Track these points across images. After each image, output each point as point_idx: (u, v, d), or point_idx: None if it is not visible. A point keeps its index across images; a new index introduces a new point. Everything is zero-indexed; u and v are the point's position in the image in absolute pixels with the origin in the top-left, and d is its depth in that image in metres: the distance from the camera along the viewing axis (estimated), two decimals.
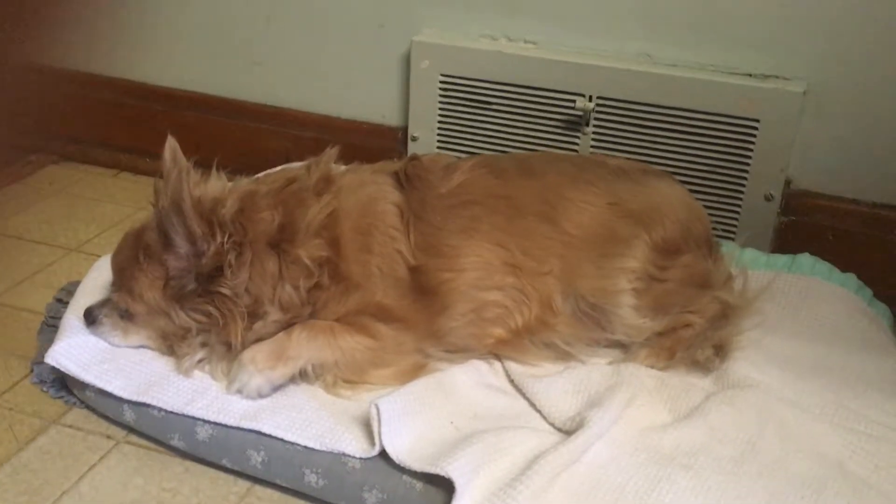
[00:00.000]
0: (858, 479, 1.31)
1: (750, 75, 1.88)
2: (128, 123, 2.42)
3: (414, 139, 2.15)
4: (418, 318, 1.49)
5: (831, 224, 1.93)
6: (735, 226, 1.95)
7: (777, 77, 1.87)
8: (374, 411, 1.32)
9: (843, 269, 1.79)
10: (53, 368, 1.49)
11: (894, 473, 1.32)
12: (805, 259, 1.81)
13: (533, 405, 1.44)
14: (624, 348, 1.57)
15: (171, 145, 1.42)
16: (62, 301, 1.68)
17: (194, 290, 1.42)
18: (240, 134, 2.34)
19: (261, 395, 1.42)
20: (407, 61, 2.11)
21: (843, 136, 1.88)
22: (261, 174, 1.64)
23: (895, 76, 1.81)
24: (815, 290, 1.73)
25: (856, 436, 1.38)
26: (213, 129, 2.34)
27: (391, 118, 2.22)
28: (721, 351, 1.55)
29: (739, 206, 1.94)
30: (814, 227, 1.94)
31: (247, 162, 1.85)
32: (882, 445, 1.37)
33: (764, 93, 1.85)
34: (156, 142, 1.47)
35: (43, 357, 1.49)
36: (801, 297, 1.71)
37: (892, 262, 1.88)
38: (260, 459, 1.36)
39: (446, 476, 1.23)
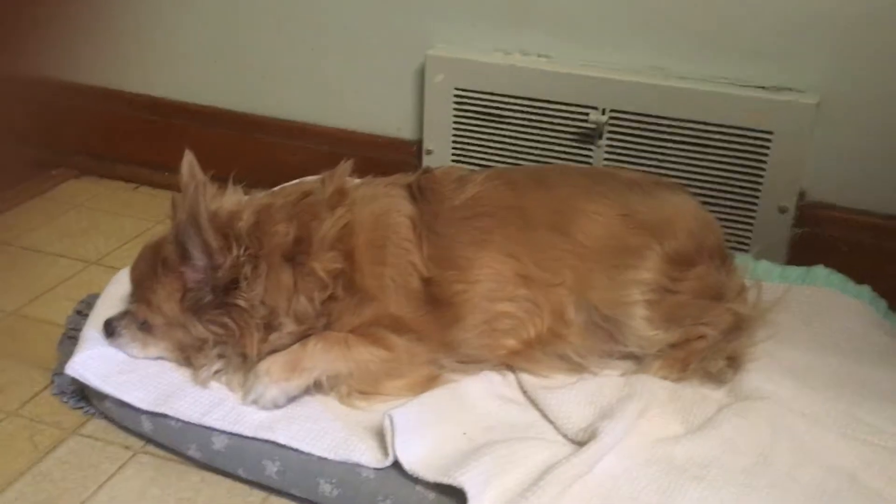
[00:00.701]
0: (872, 491, 1.30)
1: (763, 87, 1.89)
2: (147, 138, 2.46)
3: (429, 152, 2.17)
4: (431, 330, 1.50)
5: (845, 236, 1.92)
6: (749, 237, 1.95)
7: (790, 89, 1.87)
8: (387, 422, 1.33)
9: (858, 281, 1.79)
10: (73, 379, 1.51)
11: None
12: (819, 271, 1.80)
13: (545, 416, 1.45)
14: (637, 360, 1.57)
15: (188, 160, 1.45)
16: (82, 313, 1.71)
17: (211, 302, 1.43)
18: (256, 148, 2.36)
19: (276, 406, 1.44)
20: (421, 75, 2.13)
21: (857, 147, 1.88)
22: (276, 188, 1.66)
23: None
24: (829, 301, 1.73)
25: (869, 448, 1.37)
26: (230, 143, 2.37)
27: (406, 132, 2.24)
28: (734, 363, 1.55)
29: (753, 217, 1.94)
30: (828, 238, 1.93)
31: (263, 176, 1.87)
32: (895, 457, 1.36)
33: (777, 105, 1.85)
34: (174, 156, 1.50)
35: (63, 368, 1.52)
36: (814, 308, 1.71)
37: None
38: (275, 469, 1.38)
39: (459, 487, 1.24)
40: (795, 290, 1.75)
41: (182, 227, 1.39)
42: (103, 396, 1.49)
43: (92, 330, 1.57)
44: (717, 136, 1.91)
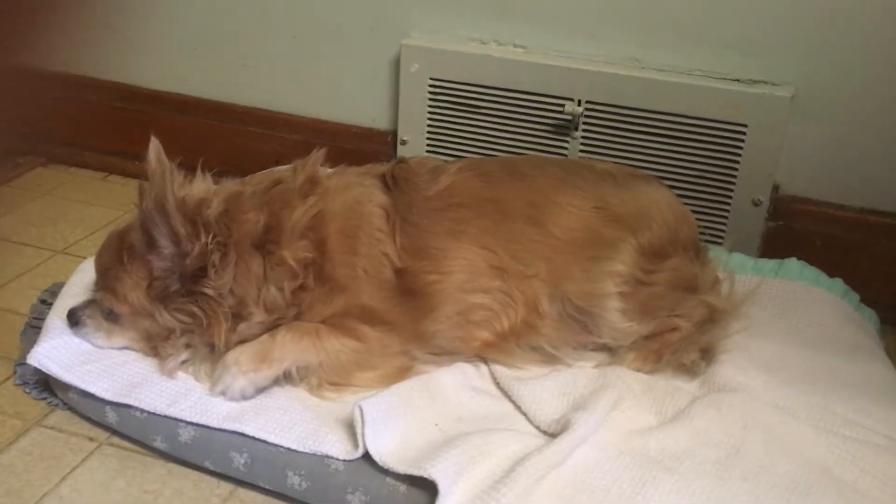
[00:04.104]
0: (844, 483, 1.30)
1: (738, 80, 1.89)
2: (117, 126, 2.42)
3: (403, 143, 2.15)
4: (404, 321, 1.48)
5: (819, 229, 1.93)
6: (723, 230, 1.95)
7: (765, 82, 1.88)
8: (357, 413, 1.31)
9: (831, 275, 1.79)
10: (36, 370, 1.48)
11: (879, 478, 1.31)
12: (792, 264, 1.81)
13: (518, 408, 1.44)
14: (610, 352, 1.56)
15: (154, 146, 1.42)
16: (46, 302, 1.67)
17: (178, 290, 1.41)
18: (229, 137, 2.33)
19: (244, 397, 1.41)
20: (396, 65, 2.11)
21: (831, 141, 1.89)
22: (247, 177, 1.63)
23: (882, 81, 1.82)
24: (801, 294, 1.73)
25: (841, 440, 1.38)
26: (203, 132, 2.34)
27: (380, 122, 2.22)
28: (707, 355, 1.55)
29: (727, 210, 1.94)
30: (801, 232, 1.94)
31: (236, 165, 1.84)
32: (867, 450, 1.36)
33: (752, 98, 1.85)
34: (145, 145, 1.46)
35: (26, 358, 1.48)
36: (787, 301, 1.71)
37: (879, 267, 1.88)
38: (243, 461, 1.35)
39: (430, 478, 1.22)
40: (768, 283, 1.75)
41: (148, 214, 1.37)
42: (67, 387, 1.46)
43: (56, 319, 1.53)
44: (692, 129, 1.91)
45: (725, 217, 1.95)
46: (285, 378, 1.45)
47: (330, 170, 1.62)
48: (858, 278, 1.80)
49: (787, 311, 1.69)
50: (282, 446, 1.34)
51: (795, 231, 1.95)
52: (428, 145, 2.13)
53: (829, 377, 1.52)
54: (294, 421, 1.37)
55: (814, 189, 1.93)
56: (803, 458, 1.34)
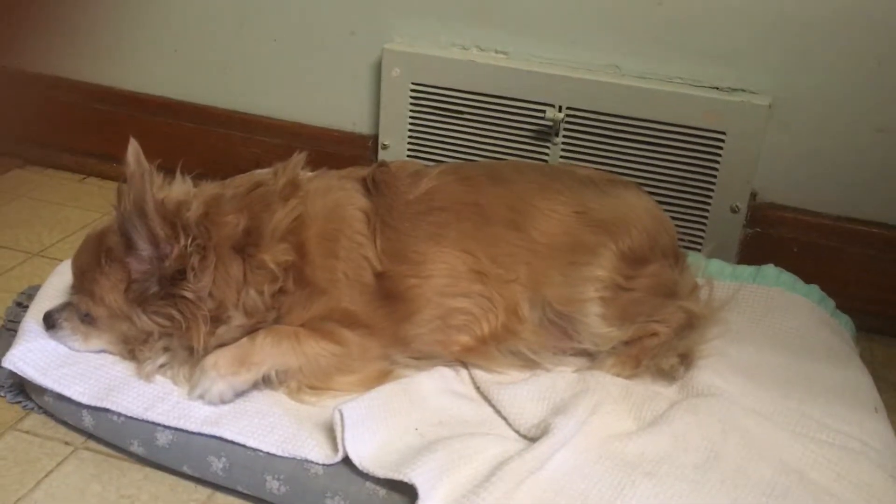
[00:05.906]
0: (820, 487, 1.31)
1: (717, 88, 1.91)
2: (95, 128, 2.40)
3: (384, 147, 2.15)
4: (384, 325, 1.48)
5: (795, 236, 1.95)
6: (701, 237, 1.97)
7: (743, 90, 1.90)
8: (337, 417, 1.31)
9: (807, 281, 1.81)
10: (11, 373, 1.46)
11: (855, 482, 1.32)
12: (769, 270, 1.83)
13: (498, 412, 1.44)
14: (590, 357, 1.57)
15: (134, 148, 1.40)
16: (22, 305, 1.65)
17: (157, 293, 1.40)
18: (209, 140, 2.32)
19: (223, 401, 1.40)
20: (378, 69, 2.11)
21: (808, 149, 1.91)
22: (227, 179, 1.63)
23: (859, 91, 1.84)
24: (778, 300, 1.75)
25: (817, 445, 1.39)
26: (183, 134, 2.33)
27: (362, 126, 2.22)
28: (686, 360, 1.56)
29: (706, 217, 1.96)
30: (778, 238, 1.96)
31: (216, 168, 1.83)
32: (843, 454, 1.38)
33: (730, 106, 1.87)
34: (124, 147, 1.45)
35: (1, 362, 1.46)
36: (765, 307, 1.73)
37: (855, 273, 1.91)
38: (221, 466, 1.34)
39: (410, 483, 1.22)
40: (746, 289, 1.77)
41: (127, 216, 1.36)
42: (42, 390, 1.44)
43: (32, 322, 1.52)
44: (671, 136, 1.92)
45: (704, 223, 1.96)
46: (264, 382, 1.44)
47: (311, 173, 1.62)
48: (834, 285, 1.82)
49: (764, 316, 1.71)
50: (261, 450, 1.33)
51: (772, 238, 1.97)
52: (409, 150, 2.13)
53: (806, 382, 1.54)
54: (273, 425, 1.37)
55: (791, 196, 1.95)
56: (780, 463, 1.35)
